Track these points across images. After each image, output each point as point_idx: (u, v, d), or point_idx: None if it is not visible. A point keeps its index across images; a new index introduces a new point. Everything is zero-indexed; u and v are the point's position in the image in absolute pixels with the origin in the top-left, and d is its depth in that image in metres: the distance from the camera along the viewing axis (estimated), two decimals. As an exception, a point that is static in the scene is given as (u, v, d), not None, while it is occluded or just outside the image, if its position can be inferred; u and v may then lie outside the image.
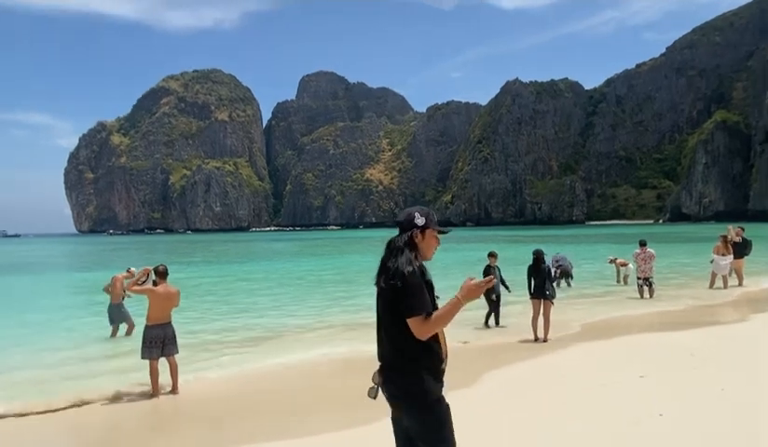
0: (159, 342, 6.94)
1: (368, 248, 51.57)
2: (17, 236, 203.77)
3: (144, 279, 7.43)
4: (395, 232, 2.67)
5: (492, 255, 10.90)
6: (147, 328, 7.01)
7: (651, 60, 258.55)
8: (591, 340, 9.25)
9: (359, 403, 3.78)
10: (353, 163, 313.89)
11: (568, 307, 12.91)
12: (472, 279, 2.53)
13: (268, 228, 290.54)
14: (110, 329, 10.95)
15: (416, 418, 2.57)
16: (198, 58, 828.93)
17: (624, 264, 17.81)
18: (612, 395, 5.84)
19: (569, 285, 17.36)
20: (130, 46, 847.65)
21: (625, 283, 17.29)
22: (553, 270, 16.42)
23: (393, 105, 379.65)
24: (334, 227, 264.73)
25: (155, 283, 7.26)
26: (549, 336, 9.35)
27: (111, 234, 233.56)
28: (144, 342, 6.97)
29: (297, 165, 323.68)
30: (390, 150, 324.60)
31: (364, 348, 8.06)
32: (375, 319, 2.74)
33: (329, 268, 29.40)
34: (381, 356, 2.70)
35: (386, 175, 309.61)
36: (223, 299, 17.60)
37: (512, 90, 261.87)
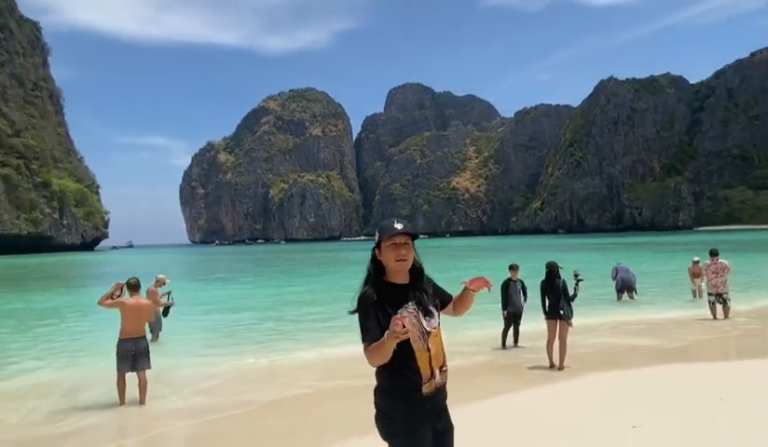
0: (130, 355, 6.82)
1: (445, 256, 52.64)
2: (131, 246, 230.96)
3: (118, 294, 7.10)
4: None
5: (513, 268, 9.95)
6: (120, 341, 6.89)
7: (767, 48, 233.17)
8: (608, 369, 7.99)
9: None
10: (440, 172, 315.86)
11: (615, 329, 11.64)
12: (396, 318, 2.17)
13: (358, 237, 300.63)
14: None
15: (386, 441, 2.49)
16: (293, 78, 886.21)
17: (698, 275, 15.40)
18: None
19: (632, 298, 15.88)
20: (234, 70, 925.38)
21: (699, 297, 15.13)
22: (614, 282, 16.19)
23: (480, 112, 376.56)
24: (422, 236, 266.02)
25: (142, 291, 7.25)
26: (566, 363, 8.09)
27: (217, 244, 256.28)
28: (117, 355, 6.85)
29: (385, 176, 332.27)
30: (476, 157, 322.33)
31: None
32: None
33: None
34: None
35: (472, 183, 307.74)
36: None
37: (606, 89, 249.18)
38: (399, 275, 2.50)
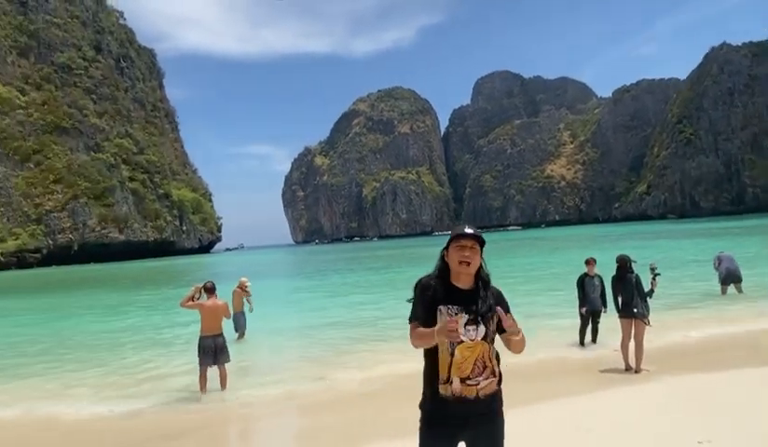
0: (211, 351, 7.52)
1: (538, 248, 50.59)
2: (242, 247, 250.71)
3: (198, 296, 7.76)
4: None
5: (589, 262, 9.23)
6: (201, 338, 7.58)
7: None
8: (694, 372, 7.28)
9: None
10: (532, 160, 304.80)
11: (716, 325, 10.47)
12: (452, 321, 2.36)
13: (450, 231, 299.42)
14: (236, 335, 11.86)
15: None
16: (381, 78, 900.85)
17: None
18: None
19: (739, 291, 14.12)
20: (325, 76, 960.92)
21: None
22: (717, 273, 14.44)
23: (573, 94, 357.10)
24: (514, 227, 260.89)
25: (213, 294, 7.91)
26: (644, 366, 7.46)
27: (317, 243, 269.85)
28: (198, 351, 7.59)
29: (475, 168, 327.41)
30: (571, 142, 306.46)
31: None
32: None
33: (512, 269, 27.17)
34: None
35: (568, 169, 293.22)
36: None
37: (718, 57, 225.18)
38: (462, 278, 2.55)
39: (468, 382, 2.47)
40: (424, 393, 2.58)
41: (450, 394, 2.46)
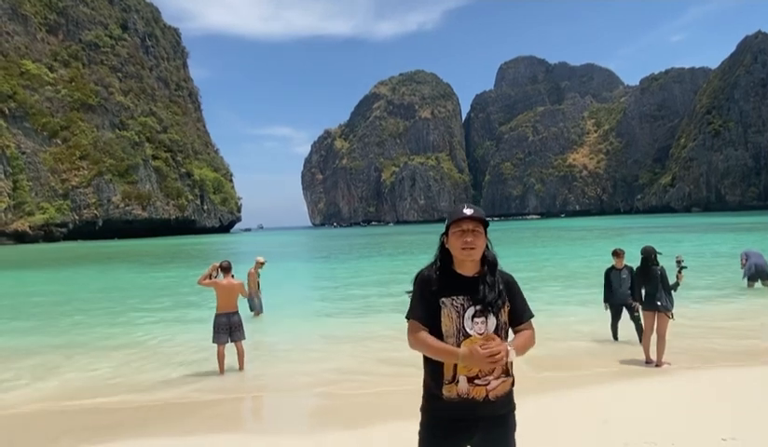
0: (226, 328, 7.64)
1: (554, 240, 49.61)
2: (261, 228, 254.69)
3: (215, 275, 7.96)
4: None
5: (617, 254, 8.81)
6: (216, 316, 7.73)
7: None
8: (717, 367, 7.22)
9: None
10: (554, 148, 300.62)
11: (741, 320, 10.34)
12: (485, 348, 2.12)
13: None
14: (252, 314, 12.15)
15: None
16: (404, 61, 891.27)
17: None
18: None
19: (766, 285, 14.20)
20: (348, 58, 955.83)
21: None
22: (743, 270, 14.41)
23: (599, 82, 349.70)
24: (534, 216, 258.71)
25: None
26: (665, 360, 7.35)
27: (335, 226, 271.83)
28: (213, 328, 7.70)
29: (496, 155, 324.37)
30: (595, 131, 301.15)
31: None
32: None
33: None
34: None
35: (591, 159, 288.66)
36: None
37: (752, 46, 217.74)
38: (466, 265, 2.30)
39: (476, 381, 2.22)
40: (425, 394, 2.34)
41: (456, 395, 2.22)
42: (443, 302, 2.23)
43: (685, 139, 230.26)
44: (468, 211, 2.26)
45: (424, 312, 2.25)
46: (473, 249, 2.24)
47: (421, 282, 2.31)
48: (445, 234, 2.34)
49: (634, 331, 8.54)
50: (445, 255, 2.34)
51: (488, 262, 2.32)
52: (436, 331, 2.23)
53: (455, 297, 2.23)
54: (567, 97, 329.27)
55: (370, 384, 7.13)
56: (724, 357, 7.77)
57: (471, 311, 2.22)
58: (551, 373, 7.10)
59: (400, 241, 58.20)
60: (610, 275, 8.83)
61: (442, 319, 2.23)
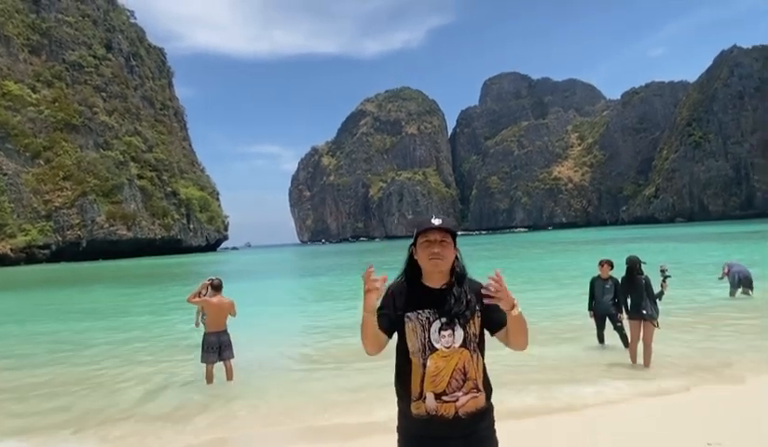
0: (216, 347, 7.52)
1: (548, 251, 50.87)
2: (249, 246, 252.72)
3: (204, 292, 7.73)
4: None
5: (602, 264, 8.77)
6: (205, 335, 7.59)
7: None
8: (705, 373, 7.15)
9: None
10: (539, 162, 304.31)
11: (721, 328, 10.26)
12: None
13: (457, 233, 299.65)
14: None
15: None
16: (390, 79, 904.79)
17: None
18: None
19: (747, 294, 14.38)
20: (334, 77, 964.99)
21: None
22: (727, 279, 14.55)
23: (582, 96, 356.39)
24: (521, 229, 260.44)
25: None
26: (651, 369, 7.44)
27: (323, 243, 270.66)
28: (202, 347, 7.58)
29: (482, 169, 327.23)
30: (579, 144, 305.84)
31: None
32: None
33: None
34: None
35: (576, 172, 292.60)
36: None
37: (729, 60, 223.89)
38: (434, 277, 2.21)
39: (444, 398, 2.11)
40: (398, 413, 2.25)
41: (425, 413, 2.11)
42: (408, 316, 2.16)
43: (667, 151, 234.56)
44: (436, 221, 2.17)
45: (388, 325, 2.18)
46: (440, 260, 2.15)
47: (385, 298, 2.21)
48: (414, 245, 2.26)
49: (618, 339, 8.68)
50: (413, 268, 2.27)
51: (456, 273, 2.23)
52: (402, 347, 2.19)
53: (420, 311, 2.15)
54: (550, 111, 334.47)
55: (362, 385, 7.22)
56: (708, 366, 7.73)
57: (437, 324, 2.13)
58: (532, 377, 7.17)
59: (395, 259, 57.86)
60: (595, 284, 8.88)
61: (407, 334, 2.17)
